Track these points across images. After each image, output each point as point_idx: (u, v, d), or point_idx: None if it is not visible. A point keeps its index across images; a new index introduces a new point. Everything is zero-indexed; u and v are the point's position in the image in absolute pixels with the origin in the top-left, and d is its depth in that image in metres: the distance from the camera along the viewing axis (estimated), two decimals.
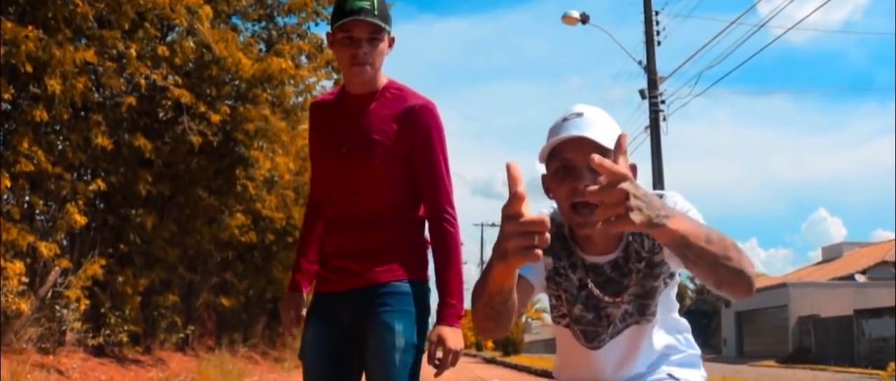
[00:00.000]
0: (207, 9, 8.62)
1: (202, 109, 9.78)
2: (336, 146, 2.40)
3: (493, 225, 73.36)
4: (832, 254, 42.80)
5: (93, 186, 9.00)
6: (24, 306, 7.99)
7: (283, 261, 20.06)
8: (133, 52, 8.14)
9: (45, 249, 8.13)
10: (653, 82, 14.91)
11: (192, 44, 8.98)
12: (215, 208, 13.39)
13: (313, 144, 2.56)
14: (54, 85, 7.27)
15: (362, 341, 2.32)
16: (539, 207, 1.88)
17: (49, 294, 9.09)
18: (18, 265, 7.60)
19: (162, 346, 13.14)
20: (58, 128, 8.34)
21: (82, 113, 8.67)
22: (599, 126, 1.77)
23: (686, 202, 1.85)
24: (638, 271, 1.88)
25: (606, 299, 1.91)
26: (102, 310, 10.29)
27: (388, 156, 2.35)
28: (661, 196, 1.77)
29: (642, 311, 1.94)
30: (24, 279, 7.72)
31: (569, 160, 1.76)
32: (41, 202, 8.24)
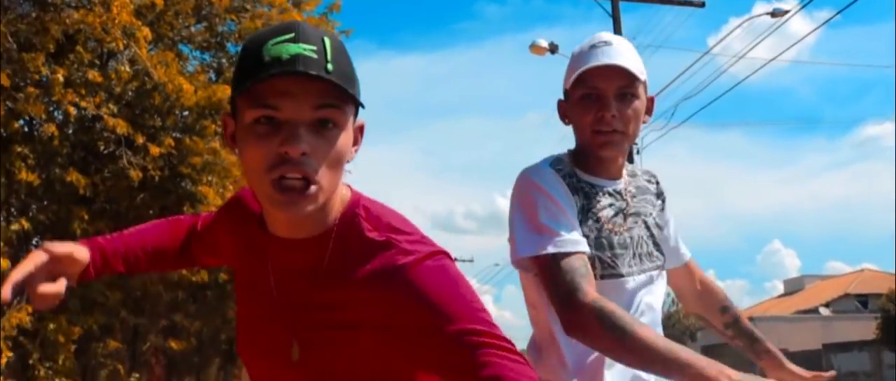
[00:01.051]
0: (146, 31, 7.91)
1: (140, 140, 9.00)
2: (275, 339, 1.27)
3: (456, 259, 72.69)
4: (793, 287, 42.83)
5: (15, 226, 8.15)
6: None
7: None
8: (60, 77, 7.37)
9: None
10: None
11: (128, 69, 8.23)
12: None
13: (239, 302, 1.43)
14: None
15: None
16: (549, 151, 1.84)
17: (17, 304, 8.20)
18: None
19: None
20: None
21: (3, 146, 7.87)
22: (628, 55, 1.73)
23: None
24: (652, 206, 1.90)
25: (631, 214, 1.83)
26: (30, 361, 9.38)
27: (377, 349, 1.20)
28: (654, 178, 1.95)
29: (660, 254, 1.86)
30: None
31: (597, 88, 1.73)
32: None
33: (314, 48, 1.10)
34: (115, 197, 10.64)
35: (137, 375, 13.85)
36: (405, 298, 1.13)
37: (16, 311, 8.79)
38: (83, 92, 8.29)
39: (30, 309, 8.84)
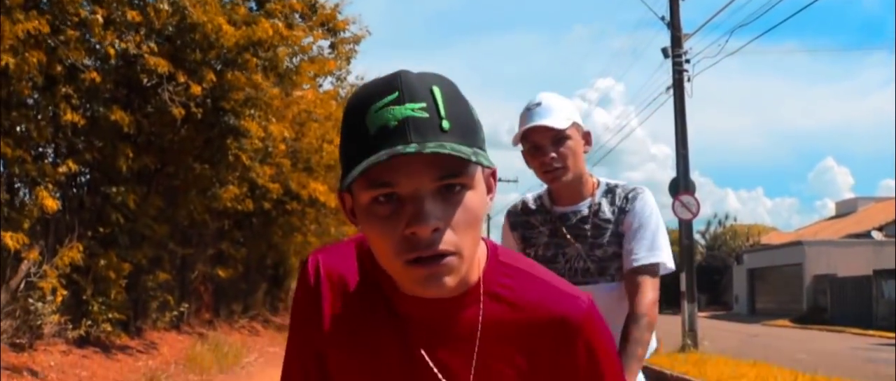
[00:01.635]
0: None
1: (182, 79, 8.91)
2: None
3: (500, 180, 72.49)
4: (846, 209, 42.03)
5: (62, 168, 8.17)
6: None
7: (283, 226, 19.41)
8: (99, 18, 7.24)
9: (11, 240, 7.34)
10: (677, 40, 13.92)
11: (167, 7, 8.07)
12: (207, 179, 12.60)
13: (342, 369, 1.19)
14: (7, 58, 6.41)
15: None
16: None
17: (21, 287, 8.32)
18: None
19: (154, 326, 12.45)
20: (20, 106, 7.49)
21: (47, 88, 7.81)
22: (556, 113, 2.21)
23: (652, 207, 2.28)
24: (599, 230, 2.27)
25: (568, 237, 2.30)
26: (84, 297, 9.54)
27: None
28: (634, 192, 2.29)
29: (602, 271, 2.27)
30: None
31: (535, 142, 2.25)
32: (3, 190, 7.43)
33: (424, 106, 0.96)
34: (159, 132, 10.64)
35: (187, 304, 14.07)
36: (569, 352, 1.10)
37: (68, 249, 8.91)
38: (123, 30, 8.18)
39: (81, 247, 8.96)
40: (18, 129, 7.67)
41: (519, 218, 2.42)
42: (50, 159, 8.82)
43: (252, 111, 11.67)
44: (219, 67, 10.27)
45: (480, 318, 1.09)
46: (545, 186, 2.39)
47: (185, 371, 10.20)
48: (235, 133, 11.83)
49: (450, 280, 1.00)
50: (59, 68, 7.54)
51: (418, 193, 0.96)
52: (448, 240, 0.98)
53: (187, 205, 12.68)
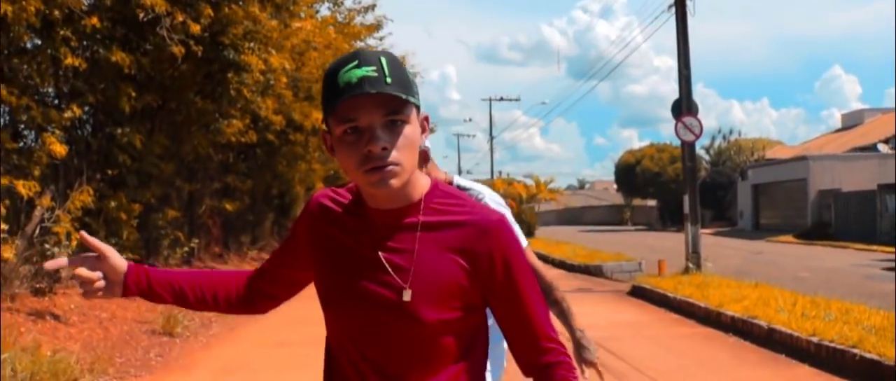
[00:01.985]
0: None
1: (180, 18, 8.84)
2: (380, 286, 1.50)
3: (502, 99, 72.09)
4: (852, 121, 41.86)
5: (67, 113, 8.19)
6: (8, 254, 7.36)
7: (287, 156, 19.48)
8: None
9: (23, 187, 7.42)
10: None
11: None
12: (210, 114, 12.63)
13: (322, 275, 1.61)
14: (5, 7, 6.37)
15: None
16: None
17: (36, 233, 8.44)
18: None
19: (167, 263, 12.63)
20: (21, 53, 7.46)
21: (46, 32, 7.77)
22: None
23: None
24: None
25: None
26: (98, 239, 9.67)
27: (453, 307, 1.50)
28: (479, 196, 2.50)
29: None
30: (3, 227, 7.03)
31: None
32: (9, 138, 7.47)
33: (374, 69, 1.40)
34: (159, 70, 10.60)
35: (197, 239, 14.25)
36: (488, 251, 1.50)
37: (79, 193, 9.00)
38: None
39: (91, 190, 9.05)
40: (21, 76, 7.64)
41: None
42: (53, 104, 8.81)
43: (251, 45, 11.60)
44: (216, 1, 10.18)
45: (419, 224, 1.50)
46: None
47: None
48: (236, 67, 11.77)
49: (395, 182, 1.43)
50: (56, 13, 7.50)
51: (372, 124, 1.40)
52: (393, 157, 1.41)
53: (191, 141, 12.73)
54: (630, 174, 54.20)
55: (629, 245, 27.03)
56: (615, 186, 64.40)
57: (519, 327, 1.54)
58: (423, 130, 1.50)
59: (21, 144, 7.85)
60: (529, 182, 39.09)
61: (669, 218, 44.16)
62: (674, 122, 14.10)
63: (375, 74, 1.39)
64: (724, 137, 53.70)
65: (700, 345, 7.92)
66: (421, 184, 1.54)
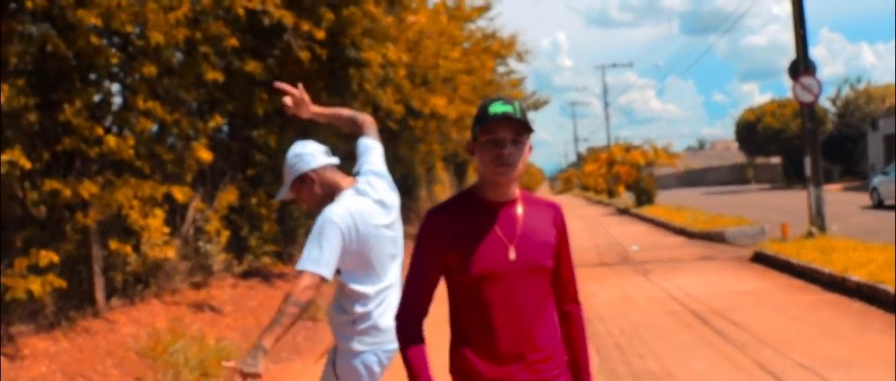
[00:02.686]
0: None
1: (306, 27, 9.52)
2: (497, 248, 2.31)
3: (614, 65, 70.99)
4: None
5: (211, 123, 9.02)
6: (171, 253, 8.21)
7: (408, 140, 20.19)
8: None
9: (179, 193, 8.23)
10: None
11: None
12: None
13: (452, 253, 2.32)
14: (156, 36, 7.13)
15: None
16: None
17: (191, 232, 9.34)
18: (158, 219, 7.75)
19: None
20: (169, 73, 8.26)
21: (189, 53, 8.56)
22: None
23: (321, 219, 3.23)
24: None
25: None
26: (242, 234, 10.56)
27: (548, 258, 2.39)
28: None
29: None
30: (165, 230, 7.88)
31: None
32: (165, 150, 8.29)
33: (512, 108, 2.25)
34: (287, 73, 11.35)
35: None
36: (558, 223, 2.41)
37: (224, 193, 9.88)
38: None
39: (235, 189, 9.91)
40: (171, 93, 8.45)
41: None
42: (199, 115, 9.65)
43: (370, 41, 12.26)
44: (335, 3, 10.84)
45: (521, 209, 2.35)
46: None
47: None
48: (357, 63, 12.47)
49: (511, 171, 2.25)
50: (199, 35, 8.25)
51: (505, 138, 2.24)
52: (513, 160, 2.24)
53: (318, 134, 13.49)
54: (751, 132, 52.62)
55: (752, 207, 26.53)
56: (736, 144, 62.57)
57: (561, 278, 2.42)
58: (530, 151, 2.34)
59: (173, 154, 8.65)
60: (647, 148, 38.60)
61: (795, 175, 42.67)
62: (791, 86, 13.91)
63: (512, 110, 2.24)
64: (851, 86, 51.41)
65: (823, 312, 8.02)
66: (516, 188, 2.38)
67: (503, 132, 2.24)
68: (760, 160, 60.46)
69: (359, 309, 3.21)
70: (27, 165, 6.00)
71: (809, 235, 13.06)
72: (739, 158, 69.29)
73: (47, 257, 6.14)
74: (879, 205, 23.83)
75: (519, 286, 2.28)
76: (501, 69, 29.55)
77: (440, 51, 16.72)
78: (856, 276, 8.79)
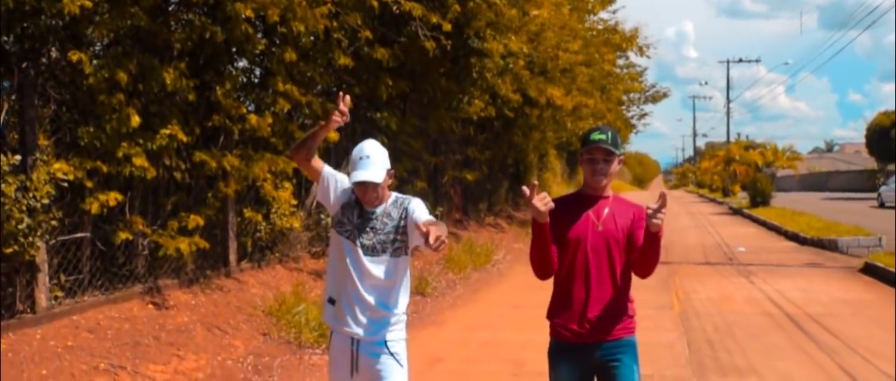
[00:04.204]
0: None
1: (434, 19, 10.11)
2: (588, 223, 3.29)
3: (740, 61, 69.01)
4: None
5: (331, 106, 9.72)
6: (296, 224, 8.98)
7: (523, 127, 20.66)
8: None
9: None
10: None
11: None
12: (453, 94, 13.98)
13: (557, 229, 3.28)
14: (299, 26, 7.83)
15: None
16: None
17: (313, 205, 10.12)
18: (287, 191, 8.52)
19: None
20: (304, 57, 8.97)
21: (325, 38, 9.25)
22: (377, 166, 3.49)
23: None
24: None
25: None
26: None
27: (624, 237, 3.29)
28: (409, 201, 3.58)
29: (384, 249, 3.49)
30: (293, 201, 8.64)
31: (364, 190, 3.47)
32: (297, 128, 9.03)
33: (606, 137, 3.19)
34: (413, 60, 11.99)
35: (441, 207, 15.73)
36: (636, 217, 3.25)
37: (344, 169, 10.62)
38: None
39: None
40: (305, 76, 9.19)
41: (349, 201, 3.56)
42: (330, 98, 10.39)
43: (493, 33, 12.78)
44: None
45: (610, 203, 3.29)
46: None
47: (445, 271, 11.79)
48: (479, 53, 13.04)
49: (601, 180, 3.24)
50: (334, 23, 8.95)
51: (598, 158, 3.21)
52: (606, 172, 3.24)
53: (437, 119, 14.11)
54: (884, 137, 50.34)
55: (874, 217, 25.67)
56: (867, 149, 59.93)
57: (635, 251, 3.28)
58: (619, 164, 3.28)
59: (304, 133, 9.41)
60: (767, 148, 37.68)
61: None
62: None
63: (605, 139, 3.19)
64: None
65: None
66: (609, 190, 3.32)
67: (597, 153, 3.20)
68: (892, 168, 57.74)
69: None
70: (184, 138, 6.81)
71: None
72: (870, 163, 66.27)
73: (195, 220, 6.96)
74: None
75: (598, 253, 3.25)
76: (621, 62, 29.52)
77: (560, 43, 17.04)
78: None
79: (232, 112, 7.68)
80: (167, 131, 6.65)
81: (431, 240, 3.04)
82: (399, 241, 3.46)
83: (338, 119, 3.48)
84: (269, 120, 8.06)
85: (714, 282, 11.56)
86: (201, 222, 7.16)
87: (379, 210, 3.48)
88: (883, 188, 34.90)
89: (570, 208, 3.29)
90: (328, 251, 3.63)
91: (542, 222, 3.13)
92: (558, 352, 3.31)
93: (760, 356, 6.78)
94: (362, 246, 3.42)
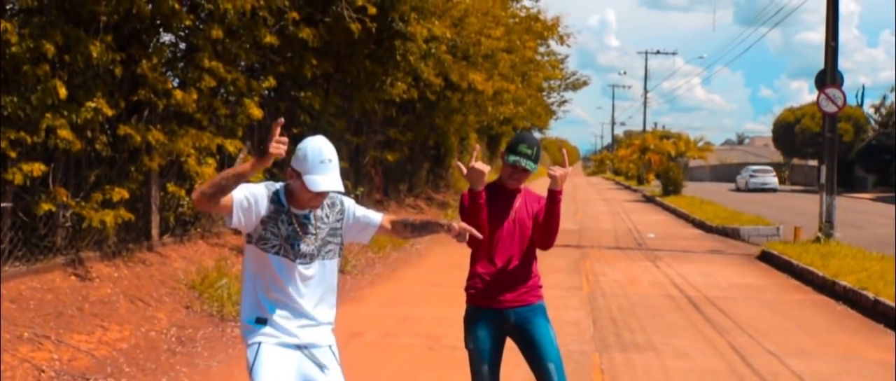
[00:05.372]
0: None
1: (360, 2, 10.29)
2: (500, 217, 3.68)
3: (658, 52, 70.76)
4: None
5: (266, 84, 9.84)
6: None
7: (444, 110, 20.93)
8: None
9: (230, 146, 9.08)
10: None
11: None
12: (377, 76, 14.17)
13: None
14: (225, 4, 7.94)
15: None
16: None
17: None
18: (210, 167, 8.63)
19: None
20: (231, 34, 9.05)
21: (251, 17, 9.34)
22: (336, 171, 3.13)
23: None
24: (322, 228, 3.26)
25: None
26: None
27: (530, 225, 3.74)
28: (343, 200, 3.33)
29: (320, 252, 3.23)
30: None
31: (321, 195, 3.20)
32: (222, 105, 9.11)
33: (531, 151, 3.58)
34: (337, 41, 12.13)
35: (361, 187, 15.95)
36: (540, 208, 3.71)
37: (242, 159, 10.74)
38: None
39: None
40: (231, 54, 9.26)
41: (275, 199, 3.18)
42: (254, 76, 10.48)
43: (417, 16, 13.01)
44: None
45: (523, 195, 3.73)
46: (284, 188, 3.21)
47: (365, 250, 12.04)
48: (402, 36, 13.25)
49: (519, 184, 3.70)
50: (261, 2, 9.05)
51: (519, 166, 3.59)
52: (522, 179, 3.67)
53: (360, 99, 14.30)
54: (789, 132, 52.65)
55: (777, 207, 26.99)
56: (773, 143, 62.47)
57: (538, 230, 3.71)
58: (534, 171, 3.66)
59: (228, 110, 9.48)
60: (681, 137, 38.99)
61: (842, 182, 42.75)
62: (816, 96, 14.42)
63: (530, 153, 3.57)
64: None
65: (807, 310, 8.72)
66: (522, 186, 3.73)
67: (520, 162, 3.59)
68: (798, 161, 60.39)
69: None
70: (109, 112, 6.87)
71: (816, 239, 13.66)
72: (777, 157, 69.11)
73: (120, 193, 7.04)
74: None
75: (509, 240, 3.67)
76: (543, 49, 30.10)
77: (483, 29, 17.36)
78: (845, 281, 9.45)
79: (157, 87, 7.74)
80: (93, 104, 6.70)
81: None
82: (334, 243, 3.26)
83: (275, 152, 2.98)
84: (195, 96, 8.14)
85: (623, 265, 12.12)
86: (126, 194, 7.24)
87: (313, 214, 3.19)
88: (738, 177, 43.78)
89: (491, 195, 3.66)
90: (244, 269, 3.22)
91: (479, 190, 3.52)
92: (475, 317, 3.71)
93: (659, 334, 7.26)
94: (299, 255, 3.13)
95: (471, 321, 3.72)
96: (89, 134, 7.20)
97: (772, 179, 44.49)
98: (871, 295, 8.61)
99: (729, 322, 7.86)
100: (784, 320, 8.17)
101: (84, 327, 6.12)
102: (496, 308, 3.67)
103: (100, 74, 7.17)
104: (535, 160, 3.61)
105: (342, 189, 3.09)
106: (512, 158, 3.61)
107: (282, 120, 3.09)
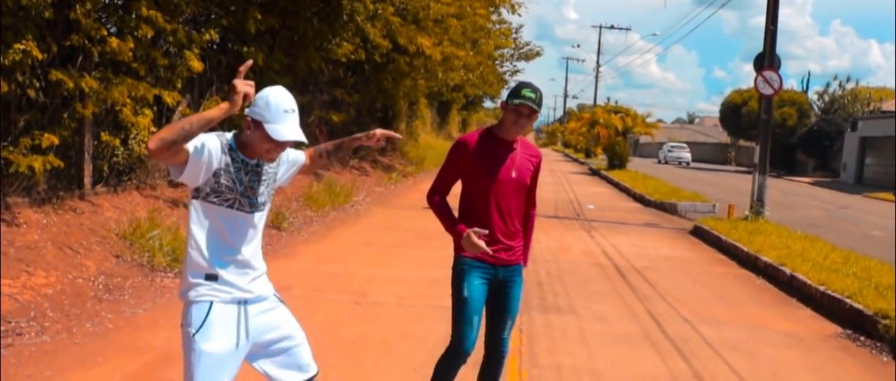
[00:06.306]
0: None
1: None
2: (502, 168, 3.76)
3: (612, 27, 71.17)
4: None
5: (206, 36, 9.74)
6: None
7: (393, 73, 20.89)
8: None
9: (169, 97, 9.02)
10: None
11: None
12: (323, 34, 14.10)
13: (475, 164, 3.75)
14: None
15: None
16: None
17: None
18: (147, 118, 8.56)
19: None
20: None
21: None
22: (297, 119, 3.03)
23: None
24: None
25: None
26: None
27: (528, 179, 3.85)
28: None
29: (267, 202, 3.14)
30: (153, 129, 8.69)
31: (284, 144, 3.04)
32: (161, 55, 9.02)
33: (535, 96, 3.63)
34: None
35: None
36: (537, 162, 3.88)
37: (210, 102, 10.66)
38: None
39: (219, 99, 10.70)
40: (170, 3, 9.16)
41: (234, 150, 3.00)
42: (195, 27, 10.37)
43: None
44: None
45: (519, 147, 3.79)
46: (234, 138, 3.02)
47: (303, 208, 12.06)
48: None
49: (521, 131, 3.73)
50: None
51: (523, 112, 3.64)
52: (525, 125, 3.68)
53: (306, 58, 14.24)
54: (736, 114, 53.57)
55: (717, 186, 27.61)
56: (721, 123, 63.58)
57: (531, 194, 3.88)
58: (536, 117, 3.72)
59: (167, 61, 9.40)
60: (639, 112, 39.46)
61: (772, 163, 43.76)
62: (754, 77, 14.77)
63: (534, 97, 3.61)
64: (840, 84, 52.17)
65: (728, 283, 9.03)
66: (519, 137, 3.78)
67: (524, 109, 3.62)
68: (744, 143, 61.53)
69: None
70: (40, 56, 6.77)
71: (746, 217, 14.07)
72: (725, 137, 70.36)
73: (49, 139, 6.97)
74: None
75: (510, 192, 3.75)
76: (495, 17, 30.12)
77: None
78: (765, 257, 9.79)
79: (92, 33, 7.64)
80: (21, 46, 6.60)
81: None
82: (273, 189, 3.16)
83: (239, 100, 2.78)
84: (131, 44, 8.06)
85: (557, 233, 12.35)
86: (56, 141, 7.17)
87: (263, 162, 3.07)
88: (659, 152, 51.26)
89: (487, 146, 3.74)
90: (190, 224, 3.00)
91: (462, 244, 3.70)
92: (468, 267, 3.75)
93: (581, 300, 7.48)
94: (255, 205, 3.03)
95: (466, 272, 3.75)
96: (19, 77, 7.11)
97: (686, 155, 55.73)
98: (788, 271, 8.95)
99: (651, 291, 8.12)
100: (705, 291, 8.45)
101: (8, 271, 6.09)
102: (490, 263, 3.75)
103: (30, 16, 7.05)
104: (539, 105, 3.64)
105: (304, 139, 2.98)
106: (516, 100, 3.61)
107: (250, 61, 3.03)
